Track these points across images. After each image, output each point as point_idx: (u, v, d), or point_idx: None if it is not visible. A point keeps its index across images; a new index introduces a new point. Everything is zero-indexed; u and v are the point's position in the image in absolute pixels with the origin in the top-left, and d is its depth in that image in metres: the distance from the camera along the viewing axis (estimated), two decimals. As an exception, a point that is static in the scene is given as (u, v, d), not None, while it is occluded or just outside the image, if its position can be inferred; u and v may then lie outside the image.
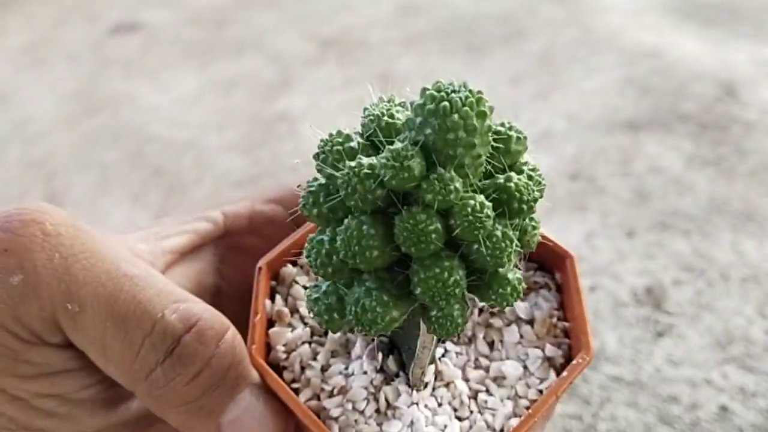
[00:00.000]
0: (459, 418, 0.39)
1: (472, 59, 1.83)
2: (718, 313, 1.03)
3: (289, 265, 0.47)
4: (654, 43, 1.75)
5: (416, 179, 0.32)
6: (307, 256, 0.35)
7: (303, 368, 0.42)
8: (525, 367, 0.41)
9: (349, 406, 0.39)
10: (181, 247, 0.46)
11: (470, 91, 0.33)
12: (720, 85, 1.55)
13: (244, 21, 2.21)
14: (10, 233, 0.35)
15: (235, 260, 0.51)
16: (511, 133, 0.37)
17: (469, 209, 0.32)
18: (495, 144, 0.35)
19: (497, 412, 0.39)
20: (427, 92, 0.33)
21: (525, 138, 0.37)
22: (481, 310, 0.43)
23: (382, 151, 0.33)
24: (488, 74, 1.75)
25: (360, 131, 0.37)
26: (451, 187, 0.32)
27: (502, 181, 0.34)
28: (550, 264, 0.45)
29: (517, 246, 0.34)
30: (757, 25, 1.80)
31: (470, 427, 0.38)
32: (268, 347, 0.43)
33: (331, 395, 0.40)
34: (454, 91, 0.33)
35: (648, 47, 1.73)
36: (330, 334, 0.43)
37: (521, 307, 0.43)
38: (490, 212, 0.33)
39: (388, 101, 0.36)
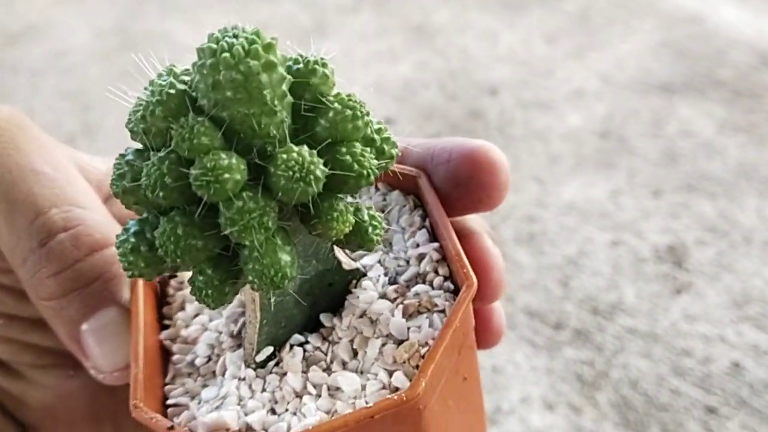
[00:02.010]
0: (272, 411, 0.35)
1: (509, 15, 1.82)
2: (738, 274, 1.04)
3: None
4: (694, 8, 1.72)
5: (166, 119, 0.30)
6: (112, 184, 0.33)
7: (181, 309, 0.41)
8: (363, 387, 0.35)
9: (190, 358, 0.38)
10: None
11: (251, 39, 0.29)
12: (757, 54, 1.53)
13: (282, -34, 2.21)
14: None
15: None
16: (336, 105, 0.31)
17: (205, 164, 0.28)
18: (311, 114, 0.31)
19: (305, 421, 0.34)
20: (213, 33, 0.30)
21: (357, 115, 0.31)
22: (362, 314, 0.37)
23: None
24: (524, 31, 1.74)
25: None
26: (192, 137, 0.29)
27: (277, 151, 0.30)
28: (406, 190, 0.40)
29: (271, 224, 0.30)
30: (802, -4, 1.77)
31: (272, 424, 0.35)
32: (169, 279, 0.42)
33: (184, 342, 0.39)
34: (234, 36, 0.29)
35: (687, 12, 1.71)
36: None
37: (398, 324, 0.36)
38: (230, 175, 0.29)
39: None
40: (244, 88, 0.28)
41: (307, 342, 0.37)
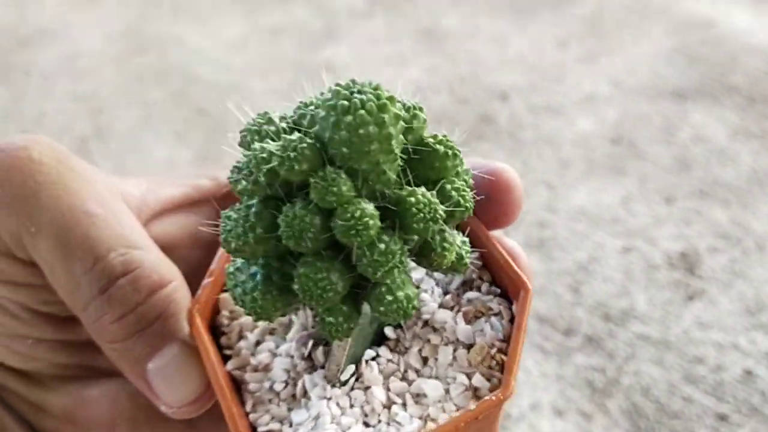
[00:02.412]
0: (366, 424, 0.37)
1: (519, 20, 1.81)
2: (751, 281, 1.03)
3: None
4: (706, 13, 1.72)
5: (303, 173, 0.31)
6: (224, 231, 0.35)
7: (240, 338, 0.42)
8: (447, 391, 0.38)
9: (267, 384, 0.40)
10: (176, 198, 0.47)
11: (378, 94, 0.31)
12: (772, 60, 1.53)
13: (293, -30, 2.21)
14: (2, 152, 0.39)
15: None
16: (439, 147, 0.34)
17: (349, 214, 0.31)
18: (416, 156, 0.34)
19: (402, 429, 0.36)
20: (334, 87, 0.32)
21: (456, 154, 0.34)
22: (425, 323, 0.40)
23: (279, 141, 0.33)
24: (534, 36, 1.74)
25: (292, 115, 0.37)
26: (334, 188, 0.31)
27: (404, 193, 0.32)
28: (511, 293, 0.42)
29: (407, 262, 0.33)
30: (816, 2, 1.76)
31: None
32: (217, 311, 0.43)
33: (255, 370, 0.41)
34: (360, 91, 0.32)
35: (700, 18, 1.70)
36: None
37: (463, 330, 0.39)
38: (373, 221, 0.31)
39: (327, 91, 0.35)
40: (378, 140, 0.31)
41: (378, 355, 0.39)
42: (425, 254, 0.34)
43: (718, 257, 1.07)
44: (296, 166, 0.31)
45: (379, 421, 0.37)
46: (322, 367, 0.40)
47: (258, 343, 0.42)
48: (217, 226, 0.47)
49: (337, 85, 0.32)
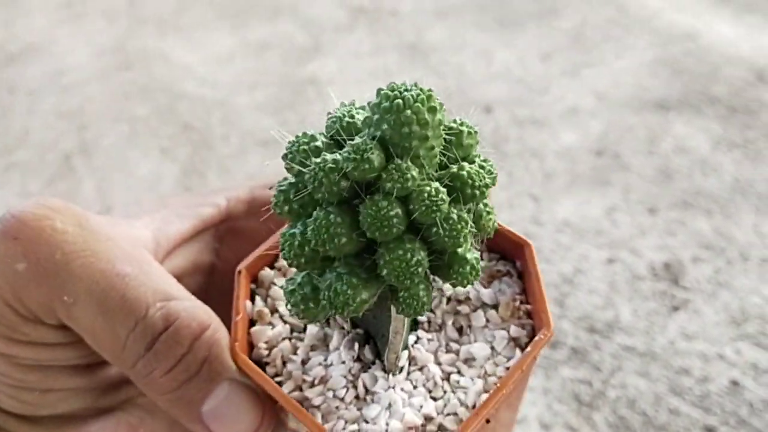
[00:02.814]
0: (434, 398, 0.41)
1: (504, 34, 1.82)
2: (735, 291, 1.03)
3: (267, 269, 0.49)
4: (689, 25, 1.73)
5: (376, 170, 0.34)
6: (281, 249, 0.37)
7: (284, 362, 0.44)
8: (492, 348, 0.43)
9: (330, 394, 0.41)
10: (184, 232, 0.49)
11: (421, 89, 0.35)
12: (752, 70, 1.54)
13: (279, -15, 2.22)
14: (23, 224, 0.39)
15: (232, 242, 0.54)
16: (463, 128, 0.38)
17: (426, 194, 0.34)
18: (448, 137, 0.38)
19: (469, 390, 0.41)
20: (382, 92, 0.35)
21: (476, 132, 0.39)
22: (449, 299, 0.45)
23: (345, 148, 0.36)
24: (519, 49, 1.75)
25: (324, 133, 0.39)
26: (408, 176, 0.34)
27: (455, 169, 0.36)
28: (511, 254, 0.47)
29: (472, 228, 0.37)
30: (796, 13, 1.77)
31: (445, 405, 0.41)
32: (251, 345, 0.45)
33: (312, 385, 0.42)
34: (406, 90, 0.35)
35: (682, 29, 1.72)
36: (308, 329, 0.45)
37: (486, 294, 0.45)
38: (444, 197, 0.35)
39: (350, 105, 0.39)
40: (432, 128, 0.35)
41: (418, 338, 0.43)
42: (442, 271, 0.38)
43: (702, 267, 1.08)
44: (368, 165, 0.34)
45: (445, 392, 0.41)
46: (373, 363, 0.43)
47: (304, 361, 0.44)
48: (217, 250, 0.49)
49: (380, 89, 0.35)
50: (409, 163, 0.35)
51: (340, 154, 0.35)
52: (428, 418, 0.40)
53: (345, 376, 0.43)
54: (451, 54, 1.79)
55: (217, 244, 0.54)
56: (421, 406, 0.40)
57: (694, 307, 1.02)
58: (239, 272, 0.46)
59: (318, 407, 0.41)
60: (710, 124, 1.39)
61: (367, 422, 0.40)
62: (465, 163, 0.37)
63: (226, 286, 0.49)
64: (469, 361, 0.43)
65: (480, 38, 1.83)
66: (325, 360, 0.44)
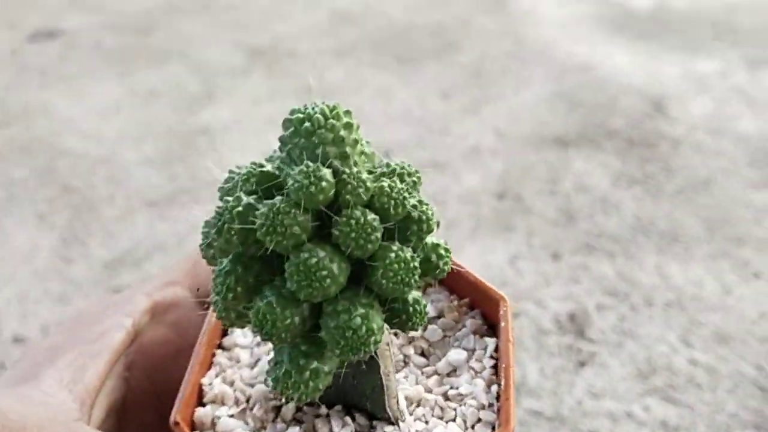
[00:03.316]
0: (451, 420, 0.39)
1: (404, 71, 1.78)
2: (641, 341, 1.00)
3: (200, 408, 0.43)
4: (585, 55, 1.73)
5: (332, 185, 0.33)
6: (217, 293, 0.34)
7: None
8: (465, 348, 0.43)
9: None
10: (101, 374, 0.46)
11: (328, 106, 0.34)
12: (649, 100, 1.54)
13: (169, 28, 2.12)
14: None
15: (141, 362, 0.49)
16: (404, 169, 0.37)
17: (391, 260, 0.33)
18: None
19: (476, 392, 0.39)
20: (291, 118, 0.34)
21: (417, 173, 0.37)
22: (396, 334, 0.44)
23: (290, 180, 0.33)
24: (419, 87, 1.71)
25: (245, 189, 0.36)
26: (363, 177, 0.33)
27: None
28: (480, 304, 0.46)
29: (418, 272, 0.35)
30: (687, 38, 1.80)
31: (464, 419, 0.39)
32: None
33: None
34: (313, 110, 0.33)
35: (579, 60, 1.71)
36: None
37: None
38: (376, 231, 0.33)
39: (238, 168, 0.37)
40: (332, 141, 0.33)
41: (397, 382, 0.41)
42: (393, 317, 0.35)
43: (607, 316, 1.04)
44: (325, 183, 0.32)
45: (455, 409, 0.39)
46: (373, 426, 0.40)
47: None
48: (126, 379, 0.46)
49: (288, 118, 0.34)
50: (353, 168, 0.33)
51: (286, 188, 0.33)
52: None
53: None
54: (349, 95, 1.73)
55: (126, 372, 0.48)
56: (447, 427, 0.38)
57: (600, 361, 0.98)
58: (176, 423, 0.40)
59: None
60: (609, 158, 1.37)
61: None
62: (406, 249, 0.34)
63: (141, 418, 0.46)
64: (453, 371, 0.42)
65: (379, 77, 1.78)
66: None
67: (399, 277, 0.33)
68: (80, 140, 1.64)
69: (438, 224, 0.37)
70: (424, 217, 0.34)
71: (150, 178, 1.50)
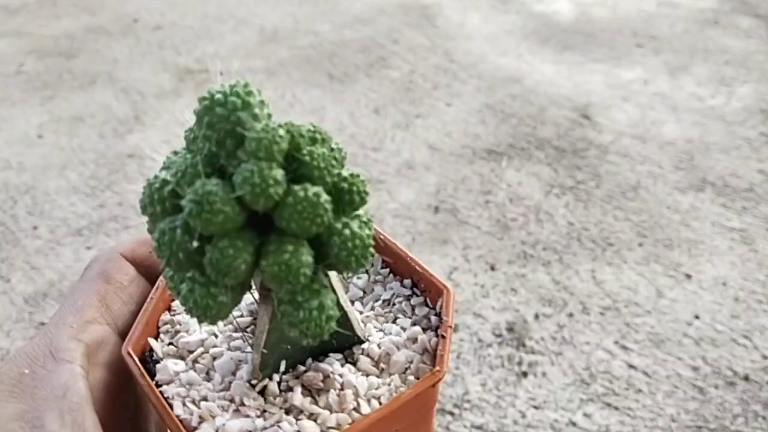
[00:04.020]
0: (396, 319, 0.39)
1: (335, 88, 1.77)
2: (580, 348, 1.00)
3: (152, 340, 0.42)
4: (513, 67, 1.75)
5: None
6: (158, 248, 0.32)
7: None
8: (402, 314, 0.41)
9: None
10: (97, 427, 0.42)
11: (235, 83, 0.30)
12: (576, 109, 1.56)
13: (93, 51, 2.06)
14: None
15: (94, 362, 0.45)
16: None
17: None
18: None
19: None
20: (198, 106, 0.31)
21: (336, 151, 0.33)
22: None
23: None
24: (351, 103, 1.70)
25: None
26: (323, 152, 0.31)
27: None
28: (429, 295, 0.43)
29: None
30: (611, 48, 1.85)
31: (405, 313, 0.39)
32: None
33: None
34: (219, 91, 0.30)
35: (506, 72, 1.73)
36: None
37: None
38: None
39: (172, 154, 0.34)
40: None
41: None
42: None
43: (545, 325, 1.04)
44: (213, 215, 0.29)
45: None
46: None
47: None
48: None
49: (197, 106, 0.31)
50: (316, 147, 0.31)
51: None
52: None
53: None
54: (282, 113, 1.71)
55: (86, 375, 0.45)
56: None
57: (541, 370, 0.98)
58: (128, 353, 0.39)
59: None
60: (541, 168, 1.38)
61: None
62: (353, 222, 0.32)
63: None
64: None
65: (310, 94, 1.76)
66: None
67: (307, 214, 0.30)
68: (0, 170, 1.57)
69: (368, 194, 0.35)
70: (355, 189, 0.32)
71: (75, 206, 1.44)
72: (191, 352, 0.41)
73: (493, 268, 1.16)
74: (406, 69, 1.79)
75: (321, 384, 0.37)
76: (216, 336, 0.41)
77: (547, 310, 1.06)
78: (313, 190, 0.30)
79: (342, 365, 0.38)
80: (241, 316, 0.42)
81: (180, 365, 0.40)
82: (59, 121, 1.74)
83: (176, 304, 0.43)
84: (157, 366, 0.40)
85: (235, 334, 0.41)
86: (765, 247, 1.20)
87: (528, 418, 0.91)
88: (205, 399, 0.38)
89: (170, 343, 0.42)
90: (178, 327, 0.43)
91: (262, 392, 0.37)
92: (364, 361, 0.38)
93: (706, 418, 0.92)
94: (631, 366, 0.98)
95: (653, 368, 0.98)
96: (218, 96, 0.30)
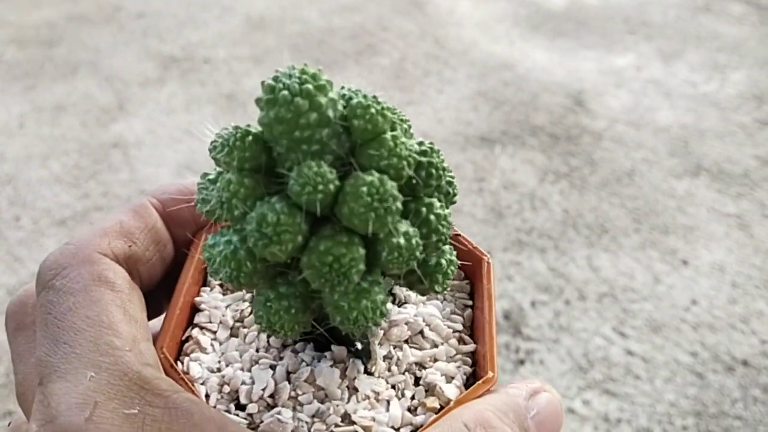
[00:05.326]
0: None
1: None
2: (578, 335, 0.98)
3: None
4: (505, 54, 1.73)
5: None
6: (211, 264, 0.30)
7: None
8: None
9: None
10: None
11: (302, 70, 0.28)
12: (569, 96, 1.55)
13: (75, 39, 2.02)
14: None
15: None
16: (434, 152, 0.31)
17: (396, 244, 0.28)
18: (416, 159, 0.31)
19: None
20: (265, 84, 0.28)
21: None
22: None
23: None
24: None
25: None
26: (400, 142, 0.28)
27: (422, 209, 0.30)
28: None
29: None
30: (603, 34, 1.83)
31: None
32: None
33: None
34: (290, 77, 0.28)
35: (498, 59, 1.71)
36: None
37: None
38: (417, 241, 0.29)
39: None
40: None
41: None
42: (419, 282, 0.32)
43: (542, 311, 1.02)
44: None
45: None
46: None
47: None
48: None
49: (263, 81, 0.28)
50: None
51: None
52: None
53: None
54: (269, 101, 1.68)
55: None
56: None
57: (539, 357, 0.96)
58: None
59: None
60: (534, 155, 1.36)
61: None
62: (434, 200, 0.30)
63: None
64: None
65: (299, 82, 1.74)
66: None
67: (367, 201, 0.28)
68: (-20, 160, 1.53)
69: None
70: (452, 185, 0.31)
71: (59, 196, 1.41)
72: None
73: (488, 255, 1.14)
74: (396, 56, 1.77)
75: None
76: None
77: (544, 297, 1.04)
78: (376, 175, 0.28)
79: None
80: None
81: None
82: (41, 111, 1.70)
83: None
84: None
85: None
86: (761, 233, 1.19)
87: (526, 406, 0.89)
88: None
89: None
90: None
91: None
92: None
93: (705, 403, 0.91)
94: (629, 352, 0.97)
95: (651, 354, 0.96)
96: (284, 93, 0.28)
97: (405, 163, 0.29)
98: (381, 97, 0.30)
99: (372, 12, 1.99)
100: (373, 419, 0.34)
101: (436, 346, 0.37)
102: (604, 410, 0.88)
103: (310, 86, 0.28)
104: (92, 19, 2.13)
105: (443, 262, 0.32)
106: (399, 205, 0.28)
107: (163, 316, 0.36)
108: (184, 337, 0.37)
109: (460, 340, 0.38)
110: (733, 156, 1.36)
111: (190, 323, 0.38)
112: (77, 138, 1.59)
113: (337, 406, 0.34)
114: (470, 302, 0.40)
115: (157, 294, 0.37)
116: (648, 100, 1.54)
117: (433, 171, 0.31)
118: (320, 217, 0.28)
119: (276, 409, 0.34)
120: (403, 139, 0.29)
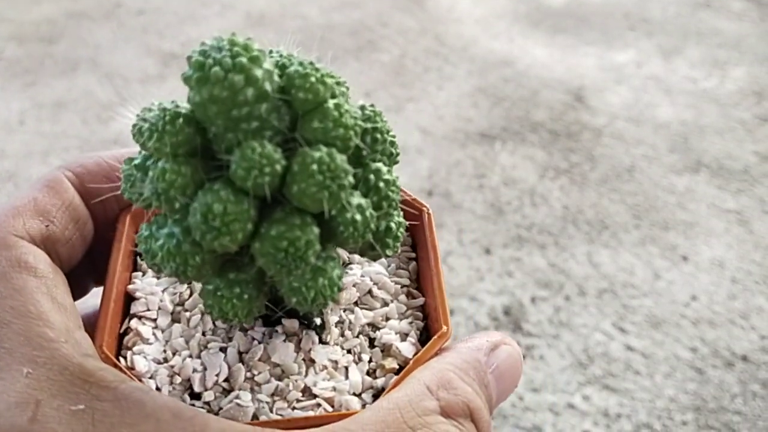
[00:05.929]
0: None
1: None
2: (577, 331, 0.99)
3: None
4: (505, 51, 1.73)
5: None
6: (151, 258, 0.29)
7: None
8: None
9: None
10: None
11: (231, 41, 0.26)
12: (569, 92, 1.55)
13: (75, 35, 2.02)
14: None
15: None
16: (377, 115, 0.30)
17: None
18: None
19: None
20: (193, 59, 0.26)
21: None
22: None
23: None
24: (341, 87, 1.67)
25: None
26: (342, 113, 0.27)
27: (370, 174, 0.29)
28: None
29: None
30: (604, 30, 1.83)
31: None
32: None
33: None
34: (219, 50, 0.26)
35: (498, 56, 1.71)
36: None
37: None
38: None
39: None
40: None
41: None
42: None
43: (541, 307, 1.03)
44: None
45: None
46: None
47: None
48: None
49: (191, 56, 0.26)
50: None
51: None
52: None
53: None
54: (270, 98, 1.68)
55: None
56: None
57: (539, 353, 0.96)
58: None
59: None
60: (534, 151, 1.36)
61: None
62: (380, 166, 0.29)
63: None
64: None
65: (299, 78, 1.74)
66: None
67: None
68: (-19, 156, 1.53)
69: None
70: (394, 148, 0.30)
71: (59, 192, 1.41)
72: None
73: (488, 252, 1.14)
74: (396, 53, 1.77)
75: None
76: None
77: (544, 293, 1.05)
78: (324, 150, 0.26)
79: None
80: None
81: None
82: (41, 108, 1.70)
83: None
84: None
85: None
86: (761, 229, 1.19)
87: (526, 401, 0.90)
88: None
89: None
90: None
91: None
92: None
93: (704, 398, 0.91)
94: (629, 348, 0.97)
95: (651, 350, 0.97)
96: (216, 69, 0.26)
97: (352, 132, 0.27)
98: (317, 62, 0.29)
99: (372, 8, 1.99)
100: (334, 389, 0.33)
101: (386, 304, 0.36)
102: (604, 405, 0.88)
103: (243, 59, 0.26)
104: (92, 16, 2.13)
105: (392, 225, 0.31)
106: (351, 179, 0.27)
107: (85, 298, 0.35)
108: (122, 330, 0.35)
109: (409, 295, 0.37)
110: (733, 152, 1.36)
111: (127, 314, 0.35)
112: (78, 134, 1.59)
113: (296, 381, 0.33)
114: (413, 254, 0.39)
115: (79, 274, 0.35)
116: (648, 96, 1.54)
117: (379, 136, 0.30)
118: (268, 200, 0.27)
119: (234, 394, 0.33)
120: (347, 107, 0.28)
